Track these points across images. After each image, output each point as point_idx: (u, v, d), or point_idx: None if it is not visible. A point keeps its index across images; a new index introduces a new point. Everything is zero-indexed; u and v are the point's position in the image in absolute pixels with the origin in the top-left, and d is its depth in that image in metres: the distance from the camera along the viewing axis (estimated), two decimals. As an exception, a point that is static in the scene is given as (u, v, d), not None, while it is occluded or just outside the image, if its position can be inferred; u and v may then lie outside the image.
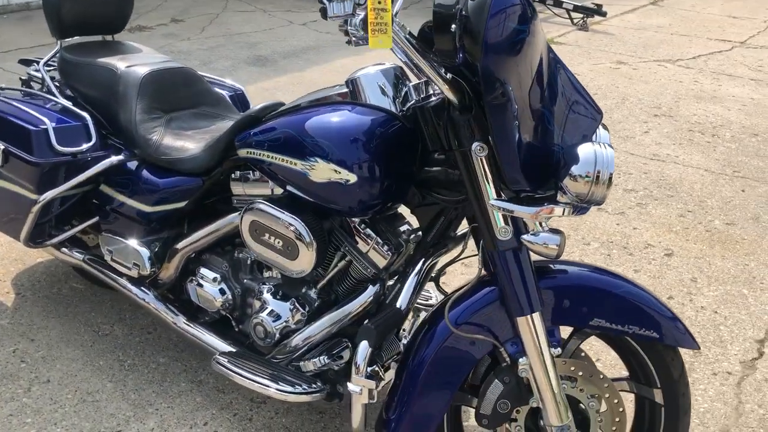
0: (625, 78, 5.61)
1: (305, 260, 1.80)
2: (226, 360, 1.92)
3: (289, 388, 1.80)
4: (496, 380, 1.63)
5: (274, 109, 1.98)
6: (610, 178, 1.43)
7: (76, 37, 2.38)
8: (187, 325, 2.11)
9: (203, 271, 2.11)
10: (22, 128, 2.09)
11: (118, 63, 2.21)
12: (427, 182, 1.74)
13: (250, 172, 1.96)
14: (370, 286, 1.84)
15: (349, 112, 1.73)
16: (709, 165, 4.08)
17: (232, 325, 2.12)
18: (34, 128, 2.07)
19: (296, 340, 1.91)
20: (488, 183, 1.51)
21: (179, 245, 2.12)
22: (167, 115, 2.20)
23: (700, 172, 3.99)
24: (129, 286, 2.21)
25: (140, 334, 2.47)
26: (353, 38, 1.85)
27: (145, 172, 2.12)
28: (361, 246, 1.80)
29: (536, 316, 1.56)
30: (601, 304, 1.61)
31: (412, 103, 1.65)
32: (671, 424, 1.70)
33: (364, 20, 1.40)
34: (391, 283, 1.92)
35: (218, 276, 2.08)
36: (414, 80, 1.68)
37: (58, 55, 2.34)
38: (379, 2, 1.35)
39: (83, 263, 2.31)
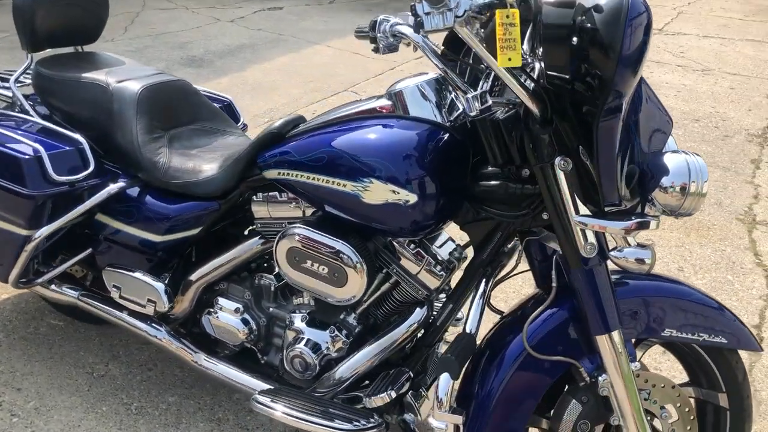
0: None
1: (355, 286, 1.68)
2: (268, 399, 1.77)
3: (348, 426, 1.69)
4: (574, 400, 1.58)
5: (295, 124, 1.85)
6: (703, 188, 1.39)
7: (47, 50, 2.14)
8: (209, 361, 1.95)
9: (222, 301, 1.95)
10: (9, 157, 1.85)
11: (108, 78, 2.00)
12: (482, 197, 1.66)
13: (277, 193, 1.82)
14: (418, 309, 1.76)
15: (398, 126, 1.63)
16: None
17: (258, 357, 1.98)
18: (25, 156, 1.84)
19: (341, 371, 1.79)
20: (571, 199, 1.45)
21: (194, 276, 1.96)
22: (167, 133, 2.02)
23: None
24: (137, 323, 2.01)
25: (140, 371, 2.27)
26: (382, 44, 1.75)
27: (151, 198, 1.94)
28: (411, 267, 1.70)
29: (616, 333, 1.52)
30: (672, 313, 1.59)
31: (473, 114, 1.55)
32: (737, 427, 1.70)
33: (488, 37, 1.29)
34: (438, 304, 1.85)
35: (240, 306, 1.93)
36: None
37: (31, 69, 2.10)
38: (507, 17, 1.25)
39: (78, 301, 2.09)
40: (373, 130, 1.65)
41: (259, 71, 5.21)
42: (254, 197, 1.86)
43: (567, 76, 1.34)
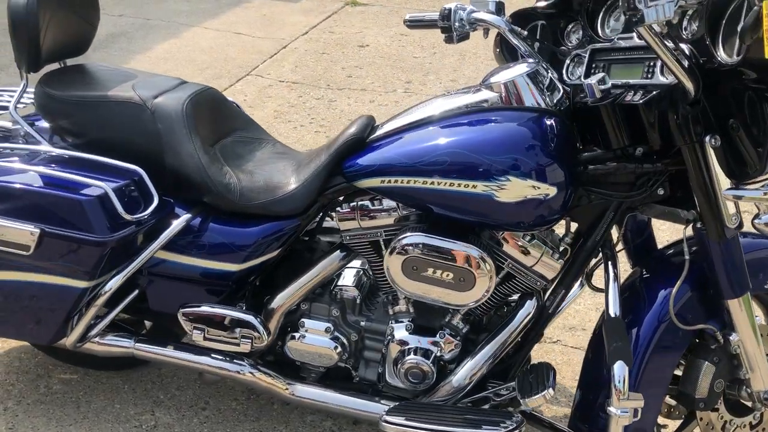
0: (447, 34, 5.80)
1: (483, 288, 1.65)
2: (401, 417, 1.70)
3: (498, 429, 1.66)
4: (707, 362, 1.67)
5: (369, 126, 1.75)
6: None
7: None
8: (308, 390, 1.82)
9: (308, 323, 1.83)
10: (65, 200, 1.57)
11: (140, 94, 1.75)
12: (594, 180, 1.66)
13: (368, 202, 1.72)
14: (529, 300, 1.75)
15: (518, 119, 1.61)
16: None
17: (350, 375, 1.87)
18: (87, 197, 1.57)
19: (460, 375, 1.76)
20: (719, 174, 1.50)
21: (276, 302, 1.81)
22: (214, 148, 1.82)
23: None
24: (220, 363, 1.82)
25: (194, 413, 2.06)
26: (456, 33, 1.71)
27: (225, 225, 1.76)
28: (526, 260, 1.69)
29: (747, 294, 1.61)
30: None
31: (597, 98, 1.53)
32: None
33: (751, 27, 1.26)
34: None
35: (329, 325, 1.82)
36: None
37: (31, 91, 1.78)
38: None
39: (134, 350, 1.83)
40: (493, 125, 1.60)
41: (146, 62, 4.78)
42: (339, 209, 1.74)
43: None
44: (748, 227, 1.60)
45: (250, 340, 1.75)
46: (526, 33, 1.77)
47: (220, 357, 1.81)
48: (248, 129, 1.98)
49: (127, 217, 1.61)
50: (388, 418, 1.71)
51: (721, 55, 1.38)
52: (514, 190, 1.55)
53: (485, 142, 1.58)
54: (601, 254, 1.73)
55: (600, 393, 1.69)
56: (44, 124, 1.85)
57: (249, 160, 1.85)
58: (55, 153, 1.69)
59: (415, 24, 1.90)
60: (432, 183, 1.60)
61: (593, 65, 1.65)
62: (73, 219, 1.57)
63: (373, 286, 1.88)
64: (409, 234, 1.65)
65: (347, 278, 1.86)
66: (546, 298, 1.79)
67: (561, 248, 1.71)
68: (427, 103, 1.76)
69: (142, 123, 1.72)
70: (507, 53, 1.90)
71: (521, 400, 1.67)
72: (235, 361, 1.82)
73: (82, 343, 1.76)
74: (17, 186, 1.60)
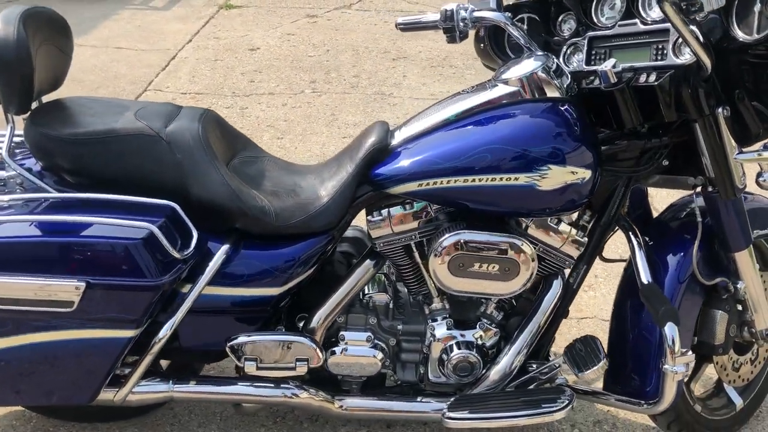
0: (333, 30, 5.81)
1: (526, 275, 1.73)
2: (464, 411, 1.75)
3: (556, 405, 1.76)
4: (720, 311, 1.85)
5: (387, 132, 1.77)
6: None
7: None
8: (359, 401, 1.81)
9: (348, 335, 1.82)
10: (110, 246, 1.45)
11: (151, 125, 1.64)
12: (607, 159, 1.78)
13: (400, 207, 1.74)
14: (555, 281, 1.85)
15: (543, 109, 1.69)
16: (475, 92, 4.62)
17: (388, 380, 1.89)
18: (132, 240, 1.46)
19: (505, 361, 1.83)
20: (731, 140, 1.66)
21: (316, 320, 1.80)
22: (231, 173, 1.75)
23: (476, 100, 4.49)
24: (263, 391, 1.76)
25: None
26: (459, 33, 1.77)
27: (262, 249, 1.72)
28: (554, 241, 1.78)
29: (750, 245, 1.80)
30: (762, 219, 1.91)
31: (612, 83, 1.63)
32: None
33: None
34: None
35: (369, 334, 1.82)
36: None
37: (32, 134, 1.62)
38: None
39: (173, 393, 1.73)
40: (522, 117, 1.67)
41: (28, 87, 4.42)
42: (370, 217, 1.75)
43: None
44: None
45: (305, 362, 1.72)
46: (526, 27, 1.85)
47: (268, 384, 1.76)
48: (249, 148, 1.92)
49: (176, 255, 1.52)
50: (452, 414, 1.75)
51: (738, 33, 1.52)
52: (555, 177, 1.63)
53: (520, 135, 1.64)
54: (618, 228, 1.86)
55: (629, 357, 1.82)
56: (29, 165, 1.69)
57: (265, 179, 1.80)
58: (75, 198, 1.55)
59: (408, 27, 1.92)
60: (474, 180, 1.65)
61: (593, 52, 1.76)
62: (120, 265, 1.46)
63: (397, 288, 1.91)
64: (453, 233, 1.68)
65: (374, 284, 1.87)
66: (569, 275, 1.89)
67: (582, 226, 1.82)
68: (444, 104, 1.80)
69: (158, 155, 1.62)
70: (495, 47, 1.97)
71: (578, 375, 1.76)
72: (282, 386, 1.77)
73: (126, 396, 1.64)
74: (51, 239, 1.46)
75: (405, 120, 1.87)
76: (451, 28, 1.82)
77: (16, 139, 1.67)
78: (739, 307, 1.89)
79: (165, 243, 1.50)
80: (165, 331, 1.58)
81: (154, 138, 1.63)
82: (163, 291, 1.52)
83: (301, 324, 1.82)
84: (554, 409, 1.74)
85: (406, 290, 1.90)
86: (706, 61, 1.53)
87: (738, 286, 1.84)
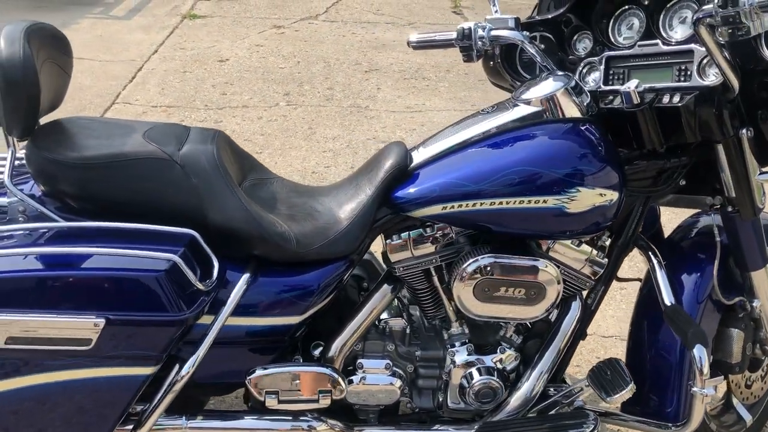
0: (302, 42, 5.74)
1: (552, 298, 1.70)
2: (494, 440, 1.69)
3: (582, 430, 1.71)
4: (736, 330, 1.85)
5: (406, 153, 1.72)
6: None
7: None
8: (381, 429, 1.75)
9: (366, 363, 1.76)
10: (130, 279, 1.36)
11: (164, 148, 1.56)
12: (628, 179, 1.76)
13: (421, 230, 1.69)
14: (574, 302, 1.82)
15: (568, 131, 1.66)
16: (450, 104, 4.61)
17: (409, 407, 1.83)
18: (155, 272, 1.37)
19: (527, 386, 1.79)
20: (753, 161, 1.66)
21: (334, 349, 1.73)
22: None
23: (452, 112, 4.49)
24: (283, 425, 1.68)
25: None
26: (476, 52, 1.74)
27: (280, 277, 1.63)
28: (574, 263, 1.75)
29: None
30: None
31: (634, 103, 1.61)
32: None
33: None
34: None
35: (388, 361, 1.76)
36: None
37: (36, 159, 1.52)
38: None
39: (187, 431, 1.64)
40: (546, 139, 1.65)
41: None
42: (389, 241, 1.70)
43: None
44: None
45: (329, 394, 1.64)
46: (543, 46, 1.82)
47: (286, 417, 1.68)
48: (257, 169, 1.84)
49: (200, 286, 1.43)
50: (478, 443, 1.70)
51: (766, 54, 1.52)
52: (584, 200, 1.60)
53: (546, 157, 1.61)
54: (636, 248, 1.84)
55: (648, 377, 1.81)
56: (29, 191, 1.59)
57: (279, 203, 1.73)
58: (87, 226, 1.45)
59: (421, 45, 1.88)
60: (500, 203, 1.61)
61: (611, 72, 1.75)
62: (142, 300, 1.37)
63: (410, 313, 1.86)
64: (478, 258, 1.64)
65: (389, 310, 1.81)
66: (586, 297, 1.87)
67: (601, 247, 1.80)
68: (463, 124, 1.76)
69: (173, 179, 1.53)
70: (506, 65, 1.94)
71: (605, 399, 1.73)
72: (300, 418, 1.69)
73: (142, 437, 1.54)
74: (66, 272, 1.35)
75: (422, 140, 1.82)
76: (468, 46, 1.78)
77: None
78: (753, 325, 1.90)
79: (189, 274, 1.41)
80: (188, 368, 1.49)
81: (167, 162, 1.54)
82: (186, 325, 1.43)
83: (316, 352, 1.75)
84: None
85: (419, 314, 1.85)
86: (735, 82, 1.53)
87: (754, 304, 1.85)
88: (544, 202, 1.60)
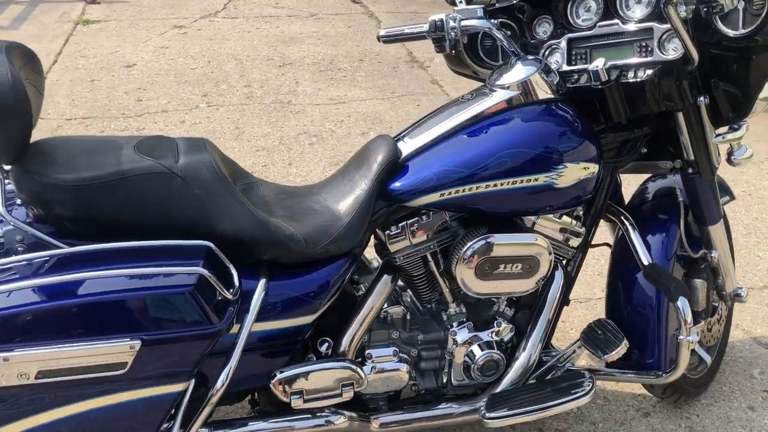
0: (207, 40, 5.61)
1: (545, 269, 1.80)
2: (504, 409, 1.79)
3: (582, 390, 1.84)
4: (699, 280, 2.02)
5: (395, 146, 1.77)
6: None
7: None
8: (394, 416, 1.80)
9: (374, 353, 1.81)
10: (162, 297, 1.33)
11: (161, 161, 1.52)
12: None
13: (418, 218, 1.75)
14: (557, 272, 1.93)
15: (545, 111, 1.77)
16: (372, 93, 4.67)
17: (414, 390, 1.90)
18: (186, 287, 1.35)
19: (524, 355, 1.89)
20: (710, 126, 1.82)
21: (344, 343, 1.77)
22: None
23: (375, 101, 4.55)
24: (304, 423, 1.70)
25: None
26: (449, 42, 1.82)
27: (291, 279, 1.64)
28: (557, 235, 1.87)
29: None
30: None
31: (603, 80, 1.73)
32: None
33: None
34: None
35: (394, 348, 1.82)
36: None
37: (27, 182, 1.45)
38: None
39: (211, 441, 1.62)
40: (531, 120, 1.74)
41: None
42: (388, 231, 1.75)
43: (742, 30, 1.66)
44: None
45: (351, 387, 1.68)
46: (509, 33, 1.91)
47: (305, 416, 1.70)
48: (242, 174, 1.83)
49: (229, 296, 1.42)
50: (490, 414, 1.79)
51: (724, 29, 1.67)
52: (571, 174, 1.71)
53: (532, 137, 1.70)
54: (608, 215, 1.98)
55: (629, 334, 1.93)
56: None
57: (274, 205, 1.73)
58: (97, 249, 1.39)
59: (391, 39, 1.92)
60: (495, 185, 1.69)
61: (573, 52, 1.86)
62: (176, 316, 1.34)
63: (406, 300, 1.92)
64: (479, 239, 1.71)
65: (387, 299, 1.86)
66: (566, 265, 1.99)
67: (577, 217, 1.92)
68: (445, 112, 1.81)
69: (175, 193, 1.50)
70: (470, 53, 2.02)
71: (602, 357, 1.85)
72: (318, 415, 1.72)
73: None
74: (93, 298, 1.30)
75: (405, 129, 1.87)
76: (441, 37, 1.85)
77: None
78: (712, 275, 2.09)
79: (218, 285, 1.40)
80: (224, 378, 1.48)
81: (167, 175, 1.51)
82: (218, 337, 1.42)
83: (323, 348, 1.77)
84: (582, 393, 1.82)
85: (412, 300, 1.91)
86: (695, 55, 1.67)
87: (712, 255, 2.03)
88: (536, 180, 1.70)
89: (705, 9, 1.59)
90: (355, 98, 4.58)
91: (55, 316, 1.30)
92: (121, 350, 1.32)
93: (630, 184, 2.17)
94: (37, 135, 1.51)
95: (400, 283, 1.90)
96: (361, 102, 4.52)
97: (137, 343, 1.33)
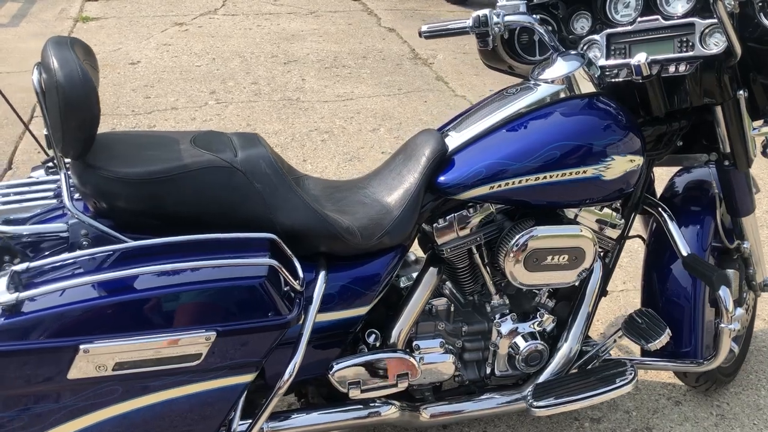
0: (210, 38, 5.60)
1: (590, 259, 1.83)
2: (551, 398, 1.82)
3: (626, 378, 1.87)
4: (733, 270, 2.07)
5: (442, 140, 1.79)
6: None
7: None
8: (443, 406, 1.83)
9: (421, 344, 1.83)
10: (236, 288, 1.34)
11: (222, 155, 1.54)
12: None
13: (464, 211, 1.78)
14: (596, 263, 1.96)
15: (589, 105, 1.79)
16: (378, 90, 4.69)
17: (457, 380, 1.92)
18: (259, 278, 1.36)
19: (567, 345, 1.92)
20: (749, 119, 1.86)
21: (394, 335, 1.78)
22: None
23: (382, 97, 4.57)
24: (355, 413, 1.72)
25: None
26: (492, 37, 1.84)
27: (347, 270, 1.67)
28: (599, 226, 1.90)
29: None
30: None
31: (645, 75, 1.76)
32: None
33: None
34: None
35: (441, 340, 1.84)
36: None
37: (91, 177, 1.45)
38: None
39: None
40: (578, 113, 1.77)
41: None
42: (436, 224, 1.77)
43: None
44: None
45: (406, 377, 1.70)
46: (550, 27, 1.94)
47: (357, 406, 1.72)
48: (290, 169, 1.84)
49: (298, 287, 1.44)
50: (538, 404, 1.82)
51: (765, 22, 1.71)
52: (618, 166, 1.74)
53: (580, 130, 1.73)
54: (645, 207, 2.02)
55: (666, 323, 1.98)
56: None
57: (324, 199, 1.74)
58: (163, 242, 1.38)
59: (433, 35, 1.94)
60: (545, 177, 1.71)
61: (612, 48, 1.90)
62: (248, 307, 1.35)
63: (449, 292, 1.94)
64: (527, 231, 1.74)
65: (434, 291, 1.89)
66: (604, 256, 2.02)
67: (616, 209, 1.96)
68: (490, 106, 1.84)
69: (237, 186, 1.51)
70: (507, 48, 2.05)
71: (645, 346, 1.89)
72: (370, 405, 1.74)
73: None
74: (166, 291, 1.31)
75: (447, 122, 1.89)
76: (485, 33, 1.87)
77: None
78: (744, 265, 2.14)
79: (288, 276, 1.41)
80: (291, 370, 1.49)
81: (228, 169, 1.52)
82: (288, 327, 1.44)
83: (371, 340, 1.79)
84: (626, 382, 1.86)
85: (454, 292, 1.93)
86: (739, 50, 1.71)
87: (744, 245, 2.08)
88: (584, 172, 1.73)
89: (761, 3, 1.62)
90: (362, 95, 4.59)
91: (132, 309, 1.31)
92: (196, 341, 1.33)
93: (657, 178, 2.21)
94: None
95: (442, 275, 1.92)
96: (368, 99, 4.53)
97: (212, 334, 1.34)
